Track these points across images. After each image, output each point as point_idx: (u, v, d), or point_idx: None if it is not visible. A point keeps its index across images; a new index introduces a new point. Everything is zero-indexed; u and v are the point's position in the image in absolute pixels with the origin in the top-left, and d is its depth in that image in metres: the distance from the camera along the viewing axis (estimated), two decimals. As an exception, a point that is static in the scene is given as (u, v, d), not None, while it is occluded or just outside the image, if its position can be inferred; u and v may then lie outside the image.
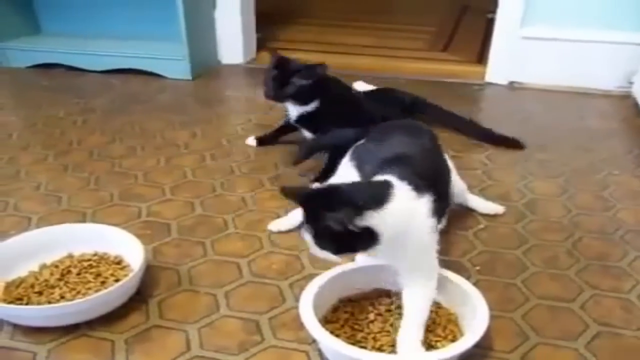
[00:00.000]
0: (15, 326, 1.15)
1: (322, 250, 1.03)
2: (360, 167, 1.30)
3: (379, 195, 1.01)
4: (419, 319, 1.06)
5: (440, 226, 1.15)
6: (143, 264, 1.23)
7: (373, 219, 0.98)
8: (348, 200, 0.98)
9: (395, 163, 1.14)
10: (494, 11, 2.55)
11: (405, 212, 1.02)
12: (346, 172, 1.35)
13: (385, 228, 0.99)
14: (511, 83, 2.57)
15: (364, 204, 0.98)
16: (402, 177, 1.06)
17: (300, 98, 1.77)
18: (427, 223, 1.06)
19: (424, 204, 1.05)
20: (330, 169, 1.54)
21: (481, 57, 2.87)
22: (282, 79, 1.74)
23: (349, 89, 1.93)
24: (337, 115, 1.76)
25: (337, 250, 1.02)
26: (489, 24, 2.91)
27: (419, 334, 1.05)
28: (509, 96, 2.50)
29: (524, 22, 2.45)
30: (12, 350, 1.10)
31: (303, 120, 1.81)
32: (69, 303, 1.16)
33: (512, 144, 1.97)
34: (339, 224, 0.97)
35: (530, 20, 2.45)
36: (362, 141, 1.38)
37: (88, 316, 1.15)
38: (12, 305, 1.16)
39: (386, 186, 1.03)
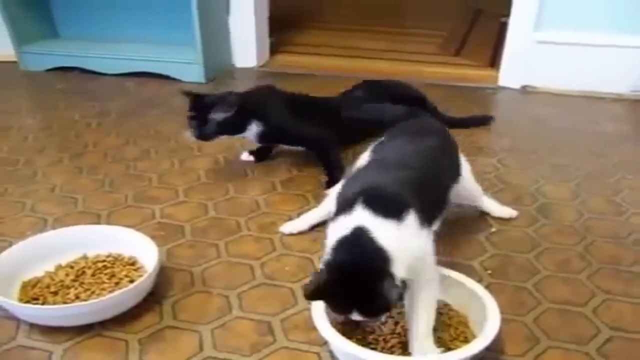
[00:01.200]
0: (32, 325, 1.17)
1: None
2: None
3: (377, 251, 0.97)
4: (427, 321, 1.05)
5: (434, 228, 1.14)
6: (157, 265, 1.24)
7: (399, 270, 0.96)
8: (380, 270, 0.95)
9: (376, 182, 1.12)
10: (507, 15, 2.55)
11: (402, 240, 0.99)
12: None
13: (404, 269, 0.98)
14: (524, 87, 2.56)
15: (384, 264, 0.96)
16: (373, 209, 1.00)
17: (230, 130, 1.75)
18: (418, 239, 1.04)
19: (409, 223, 1.01)
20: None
21: (494, 61, 2.87)
22: (200, 118, 1.69)
23: (300, 95, 1.92)
24: (299, 122, 1.79)
25: (391, 308, 1.00)
26: (503, 28, 2.90)
27: (429, 335, 1.05)
28: (522, 100, 2.50)
29: (538, 26, 2.45)
30: (28, 349, 1.12)
31: (265, 140, 1.83)
32: (84, 303, 1.17)
33: (481, 121, 2.18)
34: (398, 294, 0.94)
35: (544, 25, 2.45)
36: (382, 139, 1.35)
37: (102, 316, 1.17)
38: (28, 305, 1.18)
39: (365, 234, 0.98)
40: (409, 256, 0.98)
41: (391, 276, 0.95)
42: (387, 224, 0.99)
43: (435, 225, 1.15)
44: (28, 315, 1.17)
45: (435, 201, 1.17)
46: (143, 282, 1.20)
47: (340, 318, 1.06)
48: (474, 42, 3.37)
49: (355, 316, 0.98)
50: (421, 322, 1.05)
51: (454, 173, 1.34)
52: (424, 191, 1.10)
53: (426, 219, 1.06)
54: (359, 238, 0.97)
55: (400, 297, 0.96)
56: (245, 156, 1.90)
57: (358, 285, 0.95)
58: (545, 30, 2.45)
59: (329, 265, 0.97)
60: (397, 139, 1.33)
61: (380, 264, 0.95)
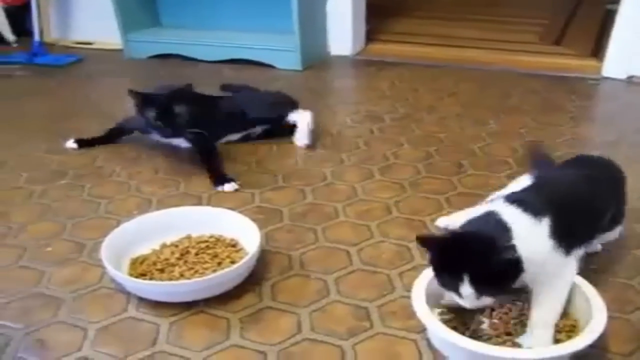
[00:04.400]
0: (140, 299, 1.23)
1: (482, 297, 0.99)
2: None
3: (502, 227, 0.99)
4: (548, 311, 1.05)
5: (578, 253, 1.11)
6: (259, 247, 1.28)
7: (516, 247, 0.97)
8: (494, 238, 0.97)
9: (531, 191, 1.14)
10: (614, 2, 2.45)
11: (528, 236, 1.00)
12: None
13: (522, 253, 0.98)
14: (630, 77, 2.45)
15: (505, 237, 0.98)
16: (516, 203, 1.04)
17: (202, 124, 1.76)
18: (547, 243, 1.03)
19: (544, 226, 1.02)
20: None
21: (597, 51, 2.76)
22: (164, 115, 1.70)
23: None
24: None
25: (501, 290, 1.00)
26: (607, 16, 2.79)
27: (547, 328, 1.04)
28: (628, 91, 2.39)
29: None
30: (138, 321, 1.18)
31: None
32: (189, 281, 1.22)
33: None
34: (510, 254, 0.95)
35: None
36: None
37: (206, 294, 1.21)
38: (140, 280, 1.24)
39: (497, 217, 1.01)
40: (529, 251, 0.98)
41: (511, 249, 0.95)
42: (520, 215, 1.02)
43: (579, 252, 1.10)
44: (139, 290, 1.23)
45: (580, 227, 1.13)
46: (246, 262, 1.24)
47: (448, 296, 1.05)
48: (575, 31, 3.26)
49: (465, 289, 0.97)
50: (541, 311, 1.04)
51: (614, 215, 1.25)
52: (569, 213, 1.08)
53: (565, 237, 1.04)
54: (488, 217, 1.02)
55: (515, 273, 0.97)
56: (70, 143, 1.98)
57: (474, 250, 0.97)
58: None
59: (452, 231, 1.03)
60: (566, 167, 1.33)
61: (502, 235, 0.97)
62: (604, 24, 3.07)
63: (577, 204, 1.13)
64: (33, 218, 1.55)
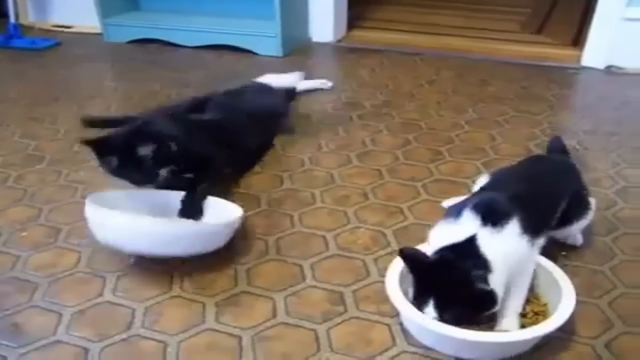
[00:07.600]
0: (116, 284, 1.23)
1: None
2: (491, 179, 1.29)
3: (482, 262, 1.01)
4: (518, 301, 1.09)
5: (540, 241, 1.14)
6: (242, 215, 1.33)
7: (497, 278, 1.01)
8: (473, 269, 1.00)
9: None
10: (596, -9, 2.46)
11: (507, 253, 1.04)
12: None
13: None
14: (609, 67, 2.47)
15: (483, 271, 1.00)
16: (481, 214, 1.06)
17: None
18: (521, 245, 1.07)
19: (514, 227, 1.06)
20: None
21: (577, 40, 2.78)
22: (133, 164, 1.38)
23: None
24: None
25: (468, 322, 1.03)
26: (588, 6, 2.81)
27: (516, 316, 1.08)
28: (606, 81, 2.41)
29: (630, 2, 2.35)
30: (114, 305, 1.18)
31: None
32: (172, 223, 1.29)
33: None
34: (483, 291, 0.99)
35: (637, 0, 2.35)
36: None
37: (187, 246, 1.23)
38: (120, 214, 1.23)
39: (473, 242, 1.03)
40: (509, 263, 1.03)
41: (485, 281, 0.99)
42: (491, 232, 1.04)
43: (541, 240, 1.14)
44: (119, 229, 1.20)
45: (541, 216, 1.16)
46: (231, 222, 1.29)
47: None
48: (557, 20, 3.27)
49: (429, 310, 1.01)
50: (513, 301, 1.07)
51: (578, 203, 1.29)
52: (531, 205, 1.10)
53: (531, 229, 1.08)
54: (468, 248, 1.03)
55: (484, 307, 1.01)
56: None
57: (447, 282, 1.01)
58: (637, 6, 2.35)
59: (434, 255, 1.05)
60: (518, 164, 1.38)
61: (479, 274, 1.00)
62: (584, 13, 3.09)
63: (536, 195, 1.17)
64: (8, 203, 1.54)
